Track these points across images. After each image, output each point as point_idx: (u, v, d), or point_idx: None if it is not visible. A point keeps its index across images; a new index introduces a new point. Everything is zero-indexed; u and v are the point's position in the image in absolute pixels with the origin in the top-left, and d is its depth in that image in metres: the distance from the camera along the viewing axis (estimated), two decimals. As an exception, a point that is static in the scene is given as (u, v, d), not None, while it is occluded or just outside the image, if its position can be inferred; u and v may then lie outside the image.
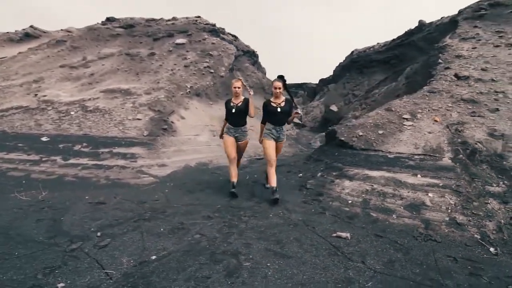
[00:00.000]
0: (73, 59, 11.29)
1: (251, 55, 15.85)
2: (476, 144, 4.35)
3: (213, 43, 11.37)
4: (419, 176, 3.93)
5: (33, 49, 12.98)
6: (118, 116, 6.91)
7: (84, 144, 5.78)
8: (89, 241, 2.69)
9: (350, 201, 3.76)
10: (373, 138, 4.98)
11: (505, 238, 2.90)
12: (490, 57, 7.32)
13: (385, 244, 2.78)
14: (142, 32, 12.78)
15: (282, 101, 4.04)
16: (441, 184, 3.70)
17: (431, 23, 13.29)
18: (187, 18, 13.70)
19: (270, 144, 4.06)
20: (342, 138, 5.20)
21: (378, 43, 16.59)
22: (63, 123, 6.79)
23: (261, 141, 4.24)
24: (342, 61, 20.27)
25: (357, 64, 16.49)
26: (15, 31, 15.75)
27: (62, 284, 2.07)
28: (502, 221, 3.10)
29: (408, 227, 3.13)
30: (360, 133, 5.14)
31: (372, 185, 3.93)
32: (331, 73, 22.39)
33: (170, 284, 2.05)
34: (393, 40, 15.11)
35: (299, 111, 4.00)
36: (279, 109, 3.98)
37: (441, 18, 12.90)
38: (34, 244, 2.63)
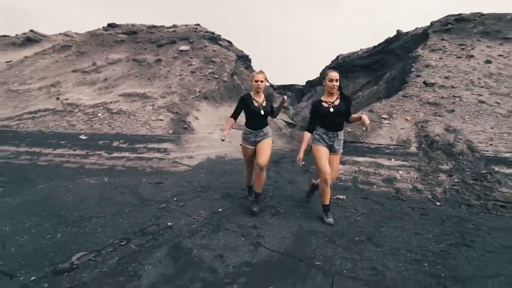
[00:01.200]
0: (83, 64, 12.25)
1: (245, 60, 17.21)
2: (435, 136, 5.90)
3: (214, 50, 12.65)
4: (392, 160, 5.41)
5: (39, 53, 13.79)
6: (142, 117, 8.09)
7: (121, 141, 6.94)
8: (170, 203, 3.96)
9: (343, 178, 5.20)
10: (359, 133, 6.46)
11: (447, 197, 4.40)
12: (453, 67, 9.01)
13: (369, 202, 4.22)
14: (145, 38, 13.87)
15: (337, 99, 3.27)
16: (408, 165, 5.20)
17: (407, 32, 15.09)
18: (186, 25, 14.89)
19: (322, 151, 3.26)
20: (335, 134, 6.65)
21: (361, 49, 18.37)
22: (95, 123, 7.90)
23: (301, 156, 3.30)
24: (328, 64, 21.95)
25: (342, 68, 18.15)
26: (16, 35, 16.38)
27: (170, 223, 3.34)
28: (447, 187, 4.61)
29: (384, 192, 4.59)
30: (349, 130, 6.61)
31: (359, 167, 5.39)
32: (318, 75, 24.02)
33: (241, 219, 3.38)
34: (374, 47, 16.88)
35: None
36: (331, 109, 3.21)
37: (416, 28, 14.73)
38: (132, 205, 3.88)
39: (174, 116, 8.20)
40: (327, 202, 3.30)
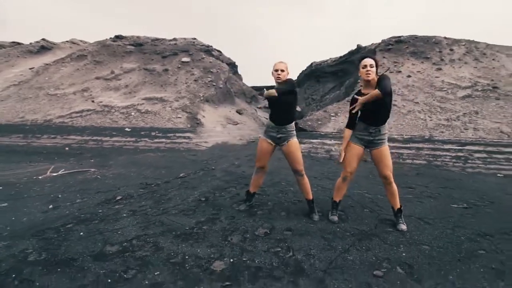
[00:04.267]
0: (102, 72, 15.57)
1: (233, 66, 20.98)
2: (360, 127, 9.99)
3: (210, 62, 16.33)
4: (332, 140, 9.43)
5: (59, 61, 16.90)
6: (166, 116, 11.69)
7: (156, 132, 10.55)
8: (208, 160, 7.71)
9: (302, 151, 9.15)
10: (315, 125, 10.45)
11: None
12: (385, 80, 13.24)
13: (314, 160, 8.17)
14: (151, 50, 17.31)
15: (375, 88, 2.80)
16: (339, 143, 9.22)
17: (365, 47, 19.45)
18: (185, 39, 18.45)
19: (353, 150, 3.07)
20: (301, 126, 10.62)
21: (330, 58, 22.65)
22: (131, 120, 11.42)
23: (342, 154, 3.15)
24: (304, 69, 26.13)
25: (315, 74, 22.39)
26: (30, 43, 19.24)
27: (213, 167, 7.09)
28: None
29: (323, 156, 8.58)
30: (309, 123, 10.59)
31: (313, 145, 9.37)
32: (296, 78, 28.19)
33: (247, 168, 7.21)
34: (340, 57, 21.20)
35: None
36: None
37: (371, 44, 19.12)
38: (188, 162, 7.58)
39: (188, 115, 11.86)
40: (338, 199, 3.22)
